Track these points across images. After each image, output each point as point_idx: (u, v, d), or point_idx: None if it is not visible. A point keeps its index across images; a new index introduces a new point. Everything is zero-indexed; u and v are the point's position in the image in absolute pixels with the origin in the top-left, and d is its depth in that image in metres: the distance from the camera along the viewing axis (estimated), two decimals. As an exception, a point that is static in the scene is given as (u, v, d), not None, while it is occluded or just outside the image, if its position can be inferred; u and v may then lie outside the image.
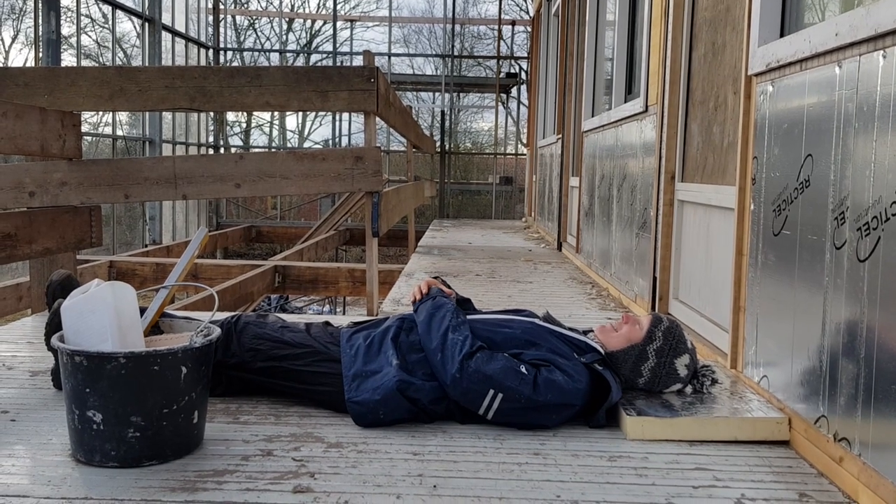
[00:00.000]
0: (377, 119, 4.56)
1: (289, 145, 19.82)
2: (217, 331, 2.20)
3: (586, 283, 5.55)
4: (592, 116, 6.48)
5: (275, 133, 20.41)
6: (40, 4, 9.28)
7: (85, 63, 11.79)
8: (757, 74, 2.72)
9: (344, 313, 14.10)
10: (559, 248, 7.91)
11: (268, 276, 7.13)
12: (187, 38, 13.98)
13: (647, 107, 4.38)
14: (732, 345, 2.82)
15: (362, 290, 7.34)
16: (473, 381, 2.25)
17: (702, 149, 3.63)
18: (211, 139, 15.39)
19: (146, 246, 11.15)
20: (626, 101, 5.23)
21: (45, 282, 4.34)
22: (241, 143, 18.98)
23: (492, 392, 2.25)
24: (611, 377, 2.36)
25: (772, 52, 2.59)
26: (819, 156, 2.24)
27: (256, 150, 19.21)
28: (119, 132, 12.33)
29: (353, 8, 20.52)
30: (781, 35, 2.66)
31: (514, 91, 17.07)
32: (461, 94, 18.08)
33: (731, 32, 3.28)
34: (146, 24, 12.25)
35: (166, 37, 12.91)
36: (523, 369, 2.27)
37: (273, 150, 18.95)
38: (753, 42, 2.75)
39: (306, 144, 20.86)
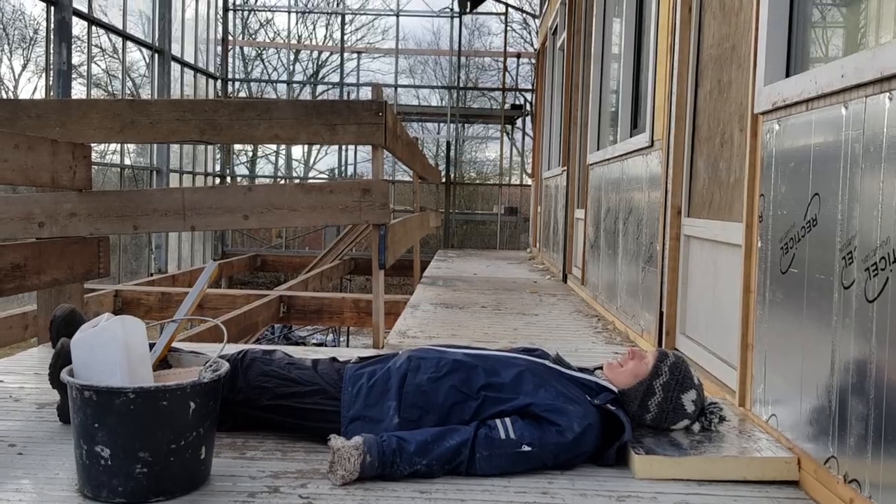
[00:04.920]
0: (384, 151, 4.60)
1: (294, 174, 19.93)
2: (225, 366, 2.20)
3: (592, 316, 5.55)
4: (598, 149, 6.51)
5: (280, 162, 20.52)
6: (52, 36, 9.40)
7: (94, 92, 11.91)
8: (763, 113, 2.74)
9: (347, 343, 14.07)
10: (564, 279, 7.91)
11: (273, 305, 7.12)
12: (196, 69, 14.13)
13: (652, 141, 4.40)
14: (741, 382, 2.81)
15: (367, 321, 7.33)
16: (490, 476, 2.24)
17: (708, 184, 3.65)
18: (218, 168, 15.49)
19: (151, 275, 11.18)
20: (631, 136, 5.27)
21: (50, 310, 4.36)
22: (247, 173, 19.09)
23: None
24: (624, 416, 2.36)
25: (778, 91, 2.61)
26: (826, 195, 2.25)
27: (262, 179, 19.32)
28: (126, 161, 12.42)
29: (360, 39, 20.75)
30: (787, 75, 2.69)
31: (518, 122, 17.20)
32: (466, 125, 18.21)
33: (737, 70, 3.31)
34: (156, 55, 12.40)
35: (175, 67, 13.06)
36: (525, 448, 2.23)
37: (279, 179, 19.07)
38: (759, 81, 2.78)
39: (312, 174, 20.97)
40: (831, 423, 2.13)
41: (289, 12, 17.46)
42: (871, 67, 1.99)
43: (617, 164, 5.45)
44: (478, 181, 21.44)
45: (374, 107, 4.35)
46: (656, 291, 4.09)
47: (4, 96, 15.14)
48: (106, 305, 7.21)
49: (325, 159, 21.47)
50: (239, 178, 17.71)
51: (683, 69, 3.96)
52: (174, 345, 2.63)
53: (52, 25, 9.43)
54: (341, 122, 4.35)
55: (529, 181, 15.36)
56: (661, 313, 3.98)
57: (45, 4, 9.51)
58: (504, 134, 16.77)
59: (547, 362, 2.54)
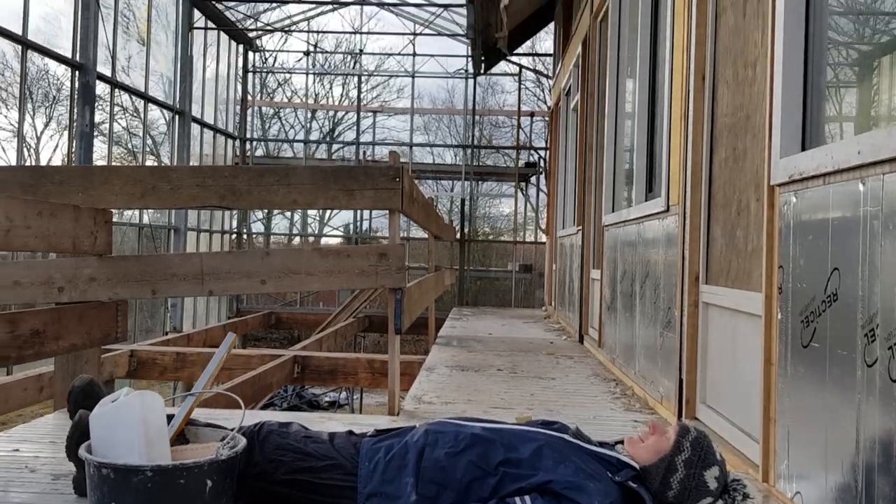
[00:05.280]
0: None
1: (309, 231, 20.07)
2: (242, 442, 2.19)
3: (610, 380, 5.49)
4: (613, 211, 6.54)
5: (296, 218, 20.68)
6: (76, 99, 9.63)
7: (115, 149, 12.12)
8: (779, 185, 2.75)
9: (361, 401, 13.98)
10: (581, 340, 7.86)
11: (287, 366, 7.10)
12: (215, 130, 14.41)
13: (668, 206, 4.42)
14: (763, 456, 2.76)
15: (381, 382, 7.28)
16: None
17: (725, 252, 3.65)
18: (234, 226, 15.64)
19: (167, 333, 11.21)
20: (647, 199, 5.29)
21: (68, 376, 4.36)
22: (262, 229, 19.24)
23: None
24: (646, 494, 2.32)
25: (794, 164, 2.63)
26: (846, 270, 2.24)
27: (277, 236, 19.45)
28: (145, 218, 12.56)
29: (376, 98, 21.10)
30: (803, 147, 2.71)
31: (532, 178, 17.33)
32: (480, 181, 18.36)
33: (752, 140, 3.34)
34: (176, 117, 12.66)
35: (195, 126, 13.31)
36: None
37: (294, 236, 19.20)
38: (775, 153, 2.79)
39: (326, 230, 21.12)
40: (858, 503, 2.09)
41: (307, 73, 17.82)
42: (888, 146, 2.00)
43: (633, 227, 5.46)
44: (491, 236, 21.50)
45: (391, 172, 4.40)
46: (675, 358, 4.06)
47: (26, 154, 15.47)
48: (121, 365, 7.22)
49: (340, 215, 21.59)
50: (255, 236, 17.85)
51: (698, 136, 3.99)
52: (191, 416, 2.63)
53: (77, 89, 9.67)
54: (359, 187, 4.40)
55: (544, 237, 15.39)
56: (681, 381, 3.93)
57: (70, 69, 9.77)
58: (518, 190, 16.89)
59: (566, 436, 2.51)
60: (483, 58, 14.85)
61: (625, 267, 5.68)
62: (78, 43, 9.69)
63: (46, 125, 17.20)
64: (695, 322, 3.86)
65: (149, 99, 11.90)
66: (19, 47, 8.96)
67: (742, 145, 3.48)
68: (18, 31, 8.80)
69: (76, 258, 4.16)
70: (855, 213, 2.20)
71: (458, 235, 15.66)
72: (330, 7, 16.47)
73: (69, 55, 9.68)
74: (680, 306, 4.00)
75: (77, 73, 9.66)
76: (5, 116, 15.58)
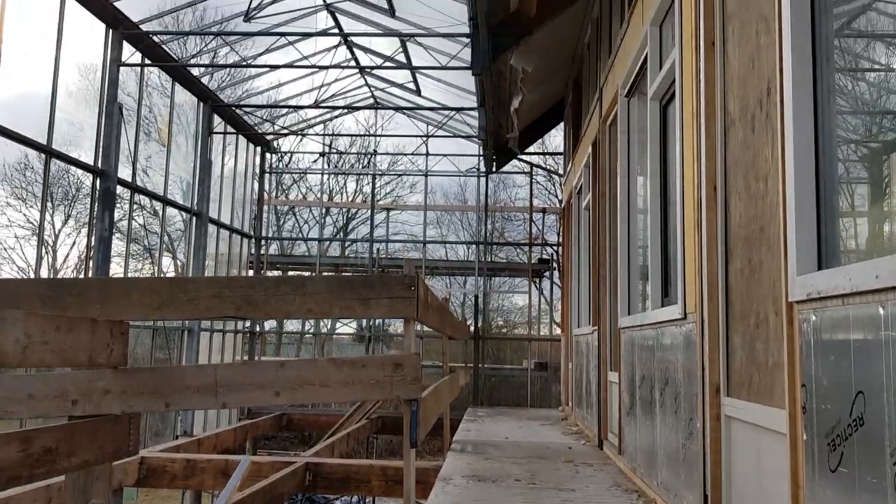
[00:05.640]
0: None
1: (322, 326, 20.06)
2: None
3: (632, 490, 5.33)
4: (629, 314, 6.50)
5: (310, 315, 20.69)
6: (97, 204, 9.83)
7: (133, 247, 12.30)
8: (798, 302, 2.73)
9: (375, 504, 13.61)
10: (600, 445, 7.68)
11: (299, 474, 6.95)
12: (231, 230, 14.64)
13: (685, 314, 4.39)
14: (797, 586, 2.64)
15: (395, 490, 7.11)
16: None
17: (746, 364, 3.59)
18: (248, 324, 15.66)
19: (177, 437, 11.07)
20: (663, 304, 5.26)
21: (79, 490, 4.29)
22: (274, 325, 19.25)
23: None
24: None
25: (811, 282, 2.61)
26: (871, 395, 2.19)
27: (290, 334, 19.45)
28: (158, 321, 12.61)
29: (389, 193, 21.49)
30: (820, 266, 2.70)
31: (546, 272, 17.41)
32: (494, 277, 18.45)
33: (767, 252, 3.34)
34: (193, 218, 12.89)
35: (211, 226, 13.54)
36: None
37: (307, 333, 19.19)
38: (792, 270, 2.79)
39: (338, 326, 21.13)
40: None
41: (322, 173, 18.21)
42: (906, 272, 1.99)
43: (650, 331, 5.41)
44: (505, 329, 21.45)
45: (406, 281, 4.43)
46: (699, 472, 3.95)
47: (44, 252, 15.75)
48: (131, 474, 7.10)
49: (353, 311, 21.59)
50: (267, 333, 17.85)
51: (712, 245, 4.00)
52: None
53: (98, 194, 9.89)
54: (374, 296, 4.43)
55: (558, 330, 15.30)
56: (706, 496, 3.81)
57: (91, 174, 10.02)
58: (532, 284, 16.93)
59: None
60: (494, 157, 15.16)
61: (643, 372, 5.60)
62: (100, 150, 9.97)
63: (65, 223, 17.53)
64: (717, 436, 3.77)
65: (167, 202, 12.16)
66: (43, 154, 9.23)
67: (757, 257, 3.48)
68: (43, 136, 9.07)
69: (91, 371, 4.15)
70: (876, 336, 2.17)
71: (471, 330, 15.58)
72: (346, 111, 16.97)
73: (91, 159, 9.95)
74: (702, 419, 3.92)
75: (98, 178, 9.90)
76: (24, 215, 15.87)
